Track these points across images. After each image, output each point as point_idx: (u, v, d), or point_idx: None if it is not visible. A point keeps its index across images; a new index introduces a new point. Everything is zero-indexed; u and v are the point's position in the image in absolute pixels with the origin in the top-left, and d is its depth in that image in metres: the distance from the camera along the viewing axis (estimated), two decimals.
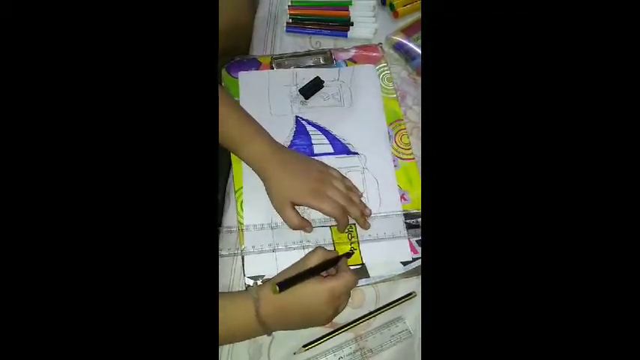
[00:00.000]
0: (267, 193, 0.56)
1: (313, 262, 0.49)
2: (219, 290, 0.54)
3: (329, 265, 0.50)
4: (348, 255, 0.54)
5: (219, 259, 0.55)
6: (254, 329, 0.48)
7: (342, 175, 0.59)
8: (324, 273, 0.50)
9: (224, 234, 0.57)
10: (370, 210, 0.58)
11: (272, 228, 0.57)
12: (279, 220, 0.56)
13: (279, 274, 0.51)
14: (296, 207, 0.56)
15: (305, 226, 0.55)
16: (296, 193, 0.55)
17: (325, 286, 0.48)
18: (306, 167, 0.57)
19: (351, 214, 0.56)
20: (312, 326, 0.51)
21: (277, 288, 0.45)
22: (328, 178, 0.56)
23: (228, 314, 0.47)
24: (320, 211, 0.55)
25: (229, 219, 0.58)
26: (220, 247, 0.56)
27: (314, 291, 0.48)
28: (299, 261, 0.51)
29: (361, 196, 0.59)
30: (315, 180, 0.55)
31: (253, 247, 0.55)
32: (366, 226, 0.57)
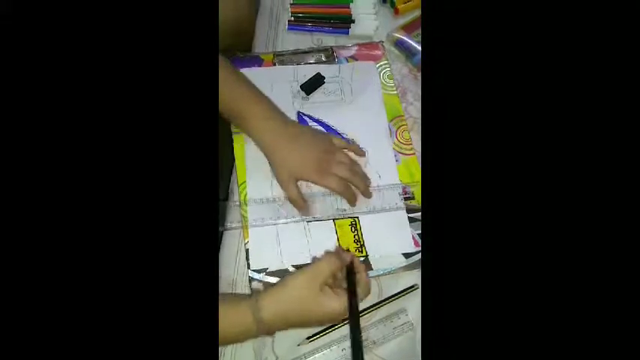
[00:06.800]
0: (272, 167, 0.58)
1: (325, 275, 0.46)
2: (223, 287, 0.54)
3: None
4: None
5: (224, 233, 0.57)
6: (254, 333, 0.46)
7: (345, 143, 0.61)
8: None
9: (231, 207, 0.58)
10: (370, 180, 0.60)
11: (276, 214, 0.57)
12: (283, 211, 0.57)
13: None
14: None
15: (302, 206, 0.56)
16: (302, 170, 0.56)
17: (307, 274, 0.46)
18: (311, 143, 0.58)
19: (355, 184, 0.58)
20: (315, 325, 0.49)
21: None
22: (333, 157, 0.58)
23: (229, 319, 0.45)
24: (325, 187, 0.57)
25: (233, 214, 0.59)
26: (225, 220, 0.58)
27: (302, 282, 0.46)
28: (308, 270, 0.47)
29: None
30: (320, 157, 0.57)
31: (258, 239, 0.56)
32: (368, 195, 0.59)
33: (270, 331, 0.47)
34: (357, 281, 0.47)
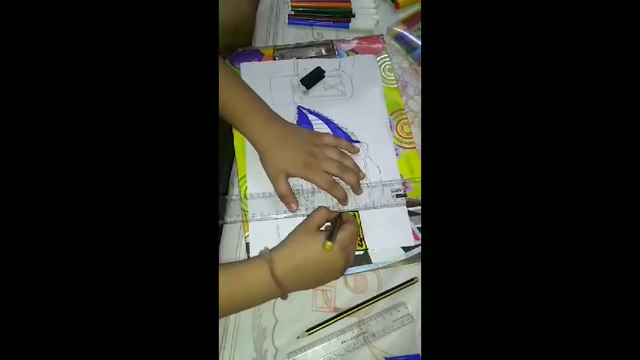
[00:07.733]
0: (262, 164, 0.59)
1: (318, 218, 0.53)
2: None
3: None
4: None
5: (224, 226, 0.58)
6: (270, 291, 0.49)
7: (335, 139, 0.61)
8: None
9: (231, 201, 0.59)
10: (364, 174, 0.60)
11: (276, 209, 0.57)
12: (283, 207, 0.57)
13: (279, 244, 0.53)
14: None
15: (291, 201, 0.57)
16: (291, 165, 0.57)
17: (302, 224, 0.52)
18: (300, 140, 0.59)
19: (345, 180, 0.58)
20: (327, 281, 0.53)
21: (329, 243, 0.48)
22: (321, 151, 0.58)
23: (244, 279, 0.49)
24: (312, 183, 0.58)
25: (232, 208, 0.59)
26: (225, 215, 0.58)
27: (300, 231, 0.52)
28: (302, 222, 0.54)
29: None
30: (308, 152, 0.58)
31: (258, 233, 0.56)
32: (358, 191, 0.59)
33: (284, 283, 0.49)
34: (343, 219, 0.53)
